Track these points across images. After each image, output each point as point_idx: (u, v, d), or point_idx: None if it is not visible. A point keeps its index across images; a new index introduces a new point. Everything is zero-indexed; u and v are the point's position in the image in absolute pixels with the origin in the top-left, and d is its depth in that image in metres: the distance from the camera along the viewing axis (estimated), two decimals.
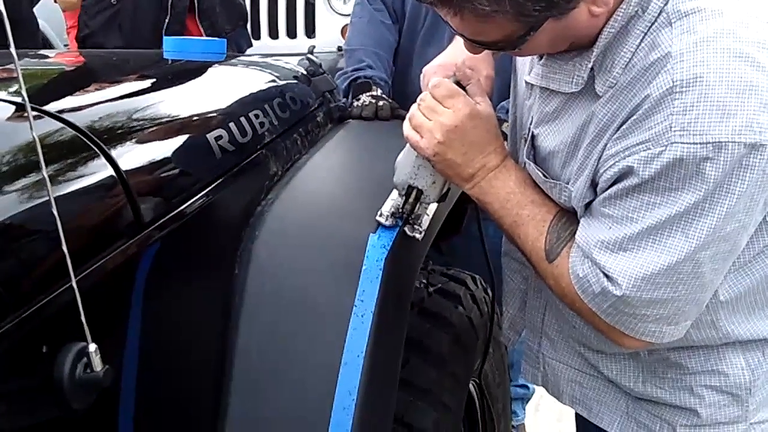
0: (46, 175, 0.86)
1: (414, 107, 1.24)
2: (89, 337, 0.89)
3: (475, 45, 1.14)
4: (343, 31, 5.04)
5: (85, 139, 1.09)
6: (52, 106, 1.15)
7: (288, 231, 1.37)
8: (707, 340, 1.26)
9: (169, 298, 1.18)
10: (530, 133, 1.27)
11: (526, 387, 2.95)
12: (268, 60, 2.04)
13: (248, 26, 4.44)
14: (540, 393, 2.59)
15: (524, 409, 3.03)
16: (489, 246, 1.78)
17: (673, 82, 1.02)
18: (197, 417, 1.23)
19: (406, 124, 1.24)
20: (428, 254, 1.55)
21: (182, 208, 1.18)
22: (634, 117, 1.06)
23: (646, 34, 1.07)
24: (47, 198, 0.86)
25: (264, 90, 1.70)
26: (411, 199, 1.29)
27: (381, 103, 2.04)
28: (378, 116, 2.00)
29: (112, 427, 1.05)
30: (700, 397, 1.30)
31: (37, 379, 0.90)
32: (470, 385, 1.95)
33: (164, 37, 1.89)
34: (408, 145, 1.26)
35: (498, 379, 2.17)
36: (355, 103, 2.08)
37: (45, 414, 0.90)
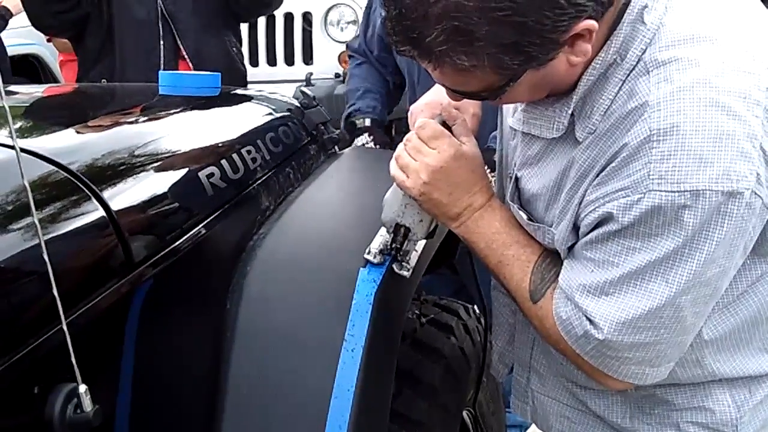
0: (36, 220, 0.88)
1: (400, 147, 1.25)
2: (79, 378, 0.91)
3: (456, 94, 1.16)
4: (340, 58, 5.08)
5: (75, 180, 1.11)
6: (42, 147, 1.17)
7: (279, 266, 1.38)
8: (693, 377, 1.26)
9: (162, 334, 1.20)
10: (514, 175, 1.28)
11: None
12: (262, 93, 2.06)
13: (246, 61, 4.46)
14: None
15: None
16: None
17: (650, 131, 1.03)
18: None
19: (392, 164, 1.26)
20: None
21: (174, 246, 1.20)
22: (613, 164, 1.07)
23: (624, 81, 1.08)
24: (38, 241, 0.88)
25: (257, 125, 1.71)
26: (399, 237, 1.30)
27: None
28: None
29: None
30: None
31: (29, 419, 0.92)
32: (464, 415, 1.96)
33: (160, 72, 1.90)
34: (395, 183, 1.28)
35: (492, 408, 2.17)
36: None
37: None
